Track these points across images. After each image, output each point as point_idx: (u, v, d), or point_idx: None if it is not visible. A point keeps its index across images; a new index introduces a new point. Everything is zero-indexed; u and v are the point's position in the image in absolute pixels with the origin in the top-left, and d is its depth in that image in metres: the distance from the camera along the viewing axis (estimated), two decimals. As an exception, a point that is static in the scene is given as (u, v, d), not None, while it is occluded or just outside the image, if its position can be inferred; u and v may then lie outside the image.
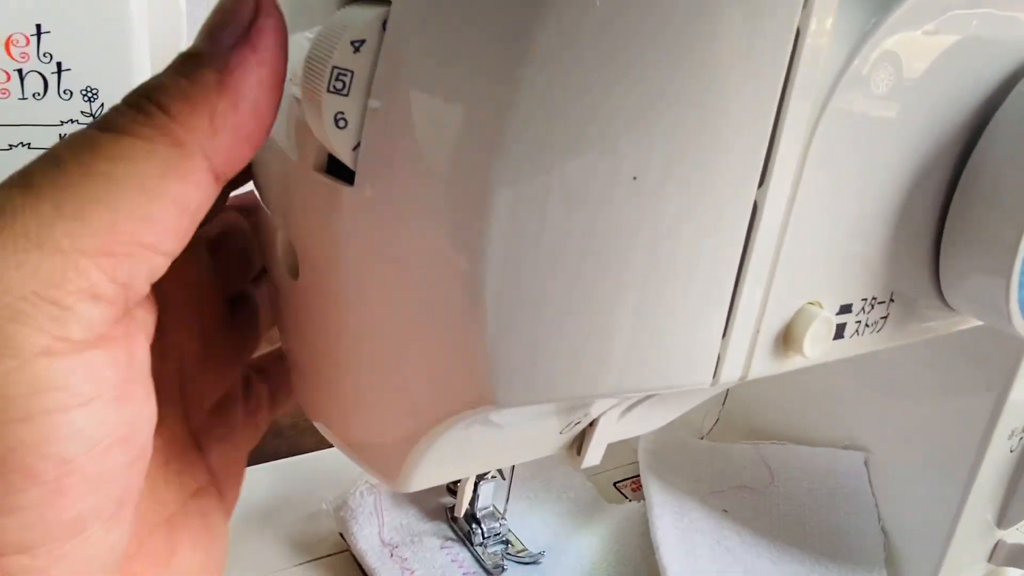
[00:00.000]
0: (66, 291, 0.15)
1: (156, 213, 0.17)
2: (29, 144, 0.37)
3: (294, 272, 0.23)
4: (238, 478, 0.26)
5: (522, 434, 0.25)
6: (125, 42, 0.38)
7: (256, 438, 0.28)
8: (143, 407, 0.18)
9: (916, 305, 0.27)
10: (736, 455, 0.43)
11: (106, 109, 0.39)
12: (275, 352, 0.30)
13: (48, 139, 0.38)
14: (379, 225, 0.20)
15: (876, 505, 0.39)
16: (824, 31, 0.19)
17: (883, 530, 0.39)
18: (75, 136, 0.17)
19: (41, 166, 0.16)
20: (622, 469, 0.44)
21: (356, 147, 0.19)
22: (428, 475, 0.24)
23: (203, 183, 0.17)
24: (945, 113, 0.23)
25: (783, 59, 0.19)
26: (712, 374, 0.22)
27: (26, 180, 0.16)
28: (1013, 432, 0.36)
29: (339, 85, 0.18)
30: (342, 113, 0.19)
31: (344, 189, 0.20)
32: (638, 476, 0.42)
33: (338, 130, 0.19)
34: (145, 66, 0.40)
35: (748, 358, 0.22)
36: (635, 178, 0.18)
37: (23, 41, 0.36)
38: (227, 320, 0.26)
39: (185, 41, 0.47)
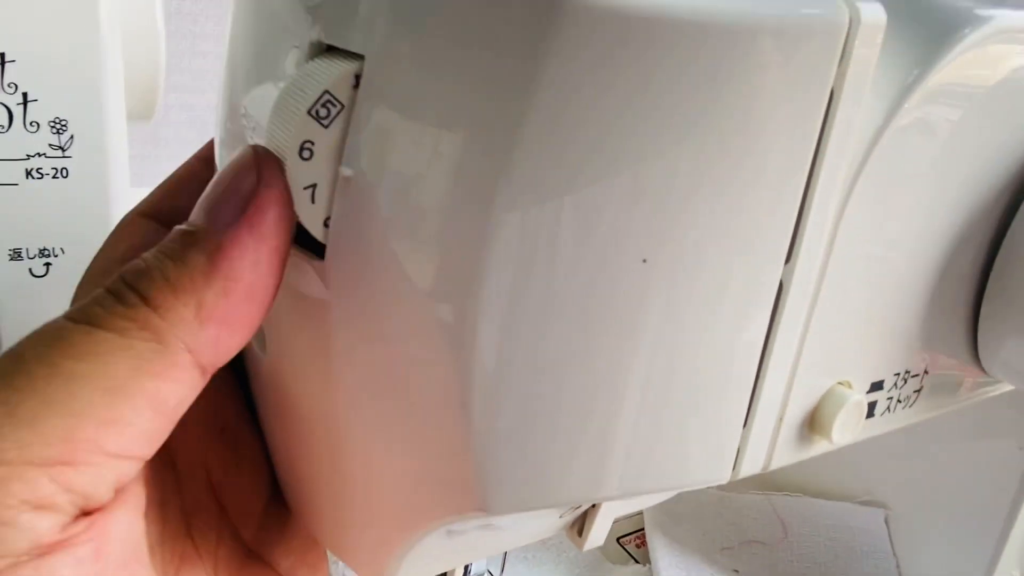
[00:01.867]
0: (6, 505, 0.14)
1: (126, 416, 0.15)
2: (-7, 180, 0.35)
3: (261, 346, 0.21)
4: (318, 569, 0.24)
5: (516, 529, 0.23)
6: (96, 69, 0.35)
7: None
8: None
9: (950, 375, 0.24)
10: (747, 507, 0.40)
11: (76, 141, 0.36)
12: None
13: (13, 174, 0.36)
14: (351, 307, 0.17)
15: (898, 566, 0.37)
16: (860, 89, 0.16)
17: (905, 592, 0.36)
18: (44, 328, 0.15)
19: (1, 363, 0.15)
20: (626, 523, 0.41)
21: (327, 220, 0.17)
22: (414, 573, 0.21)
23: (184, 379, 0.15)
24: (986, 174, 0.21)
25: (815, 123, 0.16)
26: (731, 469, 0.19)
27: None
28: (1046, 493, 0.34)
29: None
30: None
31: (312, 264, 0.18)
32: (642, 530, 0.40)
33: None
34: (119, 95, 0.37)
35: (771, 448, 0.20)
36: (645, 260, 0.16)
37: (-15, 71, 0.33)
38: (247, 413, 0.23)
39: (163, 68, 0.44)
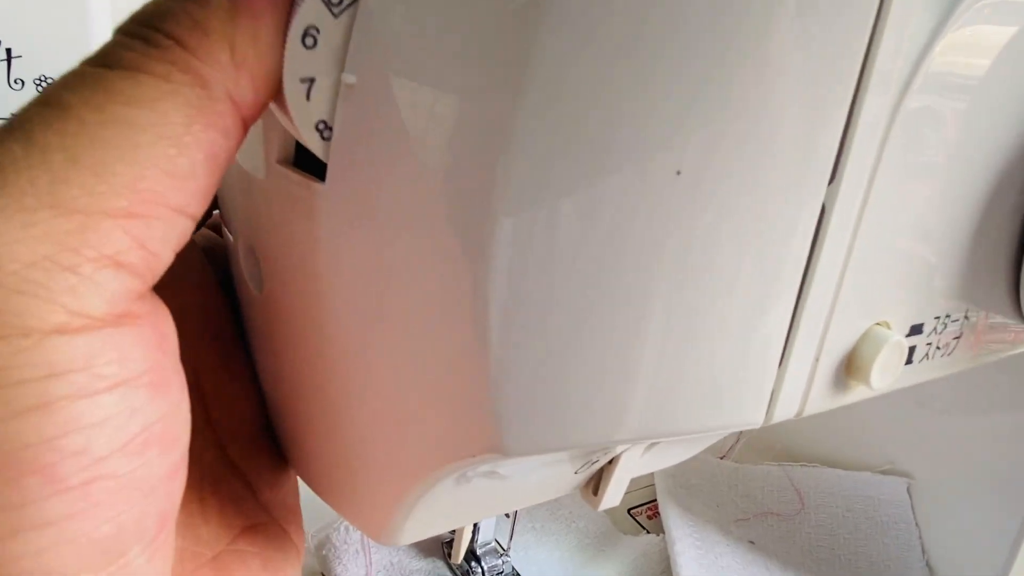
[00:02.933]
0: (85, 257, 0.13)
1: (186, 168, 0.14)
2: None
3: (258, 284, 0.19)
4: (294, 515, 0.23)
5: (530, 480, 0.21)
6: (83, 25, 0.34)
7: None
8: (180, 401, 0.15)
9: (990, 323, 0.23)
10: (762, 478, 0.39)
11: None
12: None
13: None
14: (356, 234, 0.16)
15: (920, 537, 0.35)
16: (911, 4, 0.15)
17: (928, 565, 0.35)
18: (75, 76, 0.14)
19: (40, 112, 0.13)
20: (637, 493, 0.40)
21: (319, 124, 0.16)
22: (420, 528, 0.20)
23: (231, 130, 0.14)
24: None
25: (866, 23, 0.15)
26: (765, 412, 0.18)
27: (25, 130, 0.13)
28: (1077, 459, 0.32)
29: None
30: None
31: (314, 186, 0.16)
32: (654, 501, 0.38)
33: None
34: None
35: (806, 391, 0.18)
36: (679, 173, 0.14)
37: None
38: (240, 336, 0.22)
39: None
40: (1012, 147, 0.20)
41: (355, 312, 0.17)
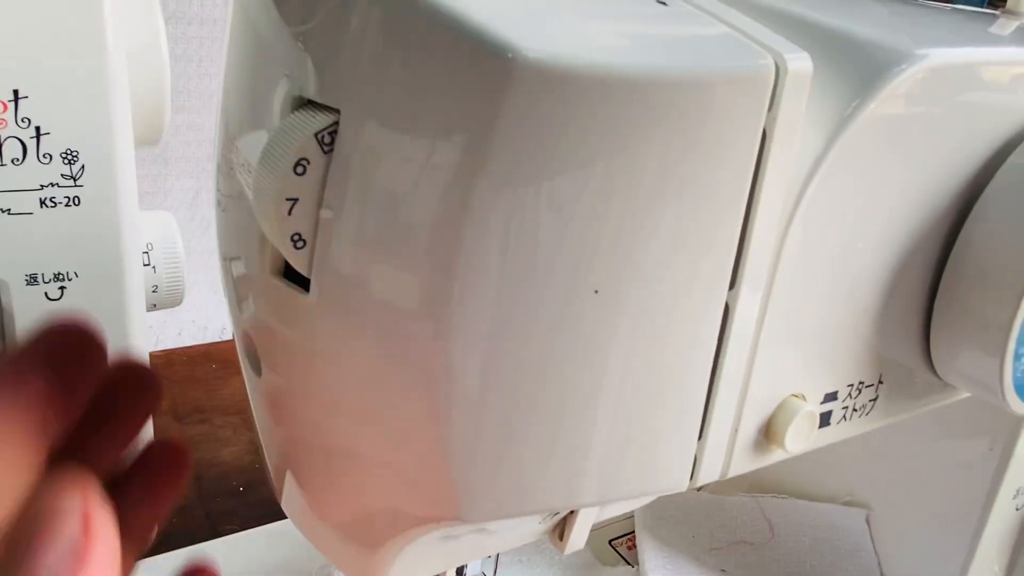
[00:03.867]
0: None
1: None
2: (9, 210, 0.37)
3: (256, 368, 0.23)
4: None
5: (500, 533, 0.24)
6: (104, 102, 0.37)
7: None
8: None
9: (907, 383, 0.26)
10: (735, 508, 0.42)
11: (86, 171, 0.38)
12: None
13: (29, 204, 0.38)
14: (335, 330, 0.19)
15: (879, 564, 0.38)
16: (791, 129, 0.18)
17: (886, 589, 0.38)
18: None
19: None
20: (617, 525, 0.43)
21: (300, 244, 0.19)
22: (403, 575, 0.23)
23: None
24: (932, 190, 0.23)
25: (749, 163, 0.18)
26: (689, 476, 0.21)
27: None
28: (1019, 491, 0.35)
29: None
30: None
31: (300, 296, 0.19)
32: (634, 532, 0.41)
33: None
34: (127, 124, 0.39)
35: (727, 456, 0.21)
36: (596, 291, 0.17)
37: (0, 108, 0.35)
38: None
39: (169, 97, 0.46)
40: (917, 228, 0.23)
41: (336, 396, 0.20)
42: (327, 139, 0.18)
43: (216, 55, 0.68)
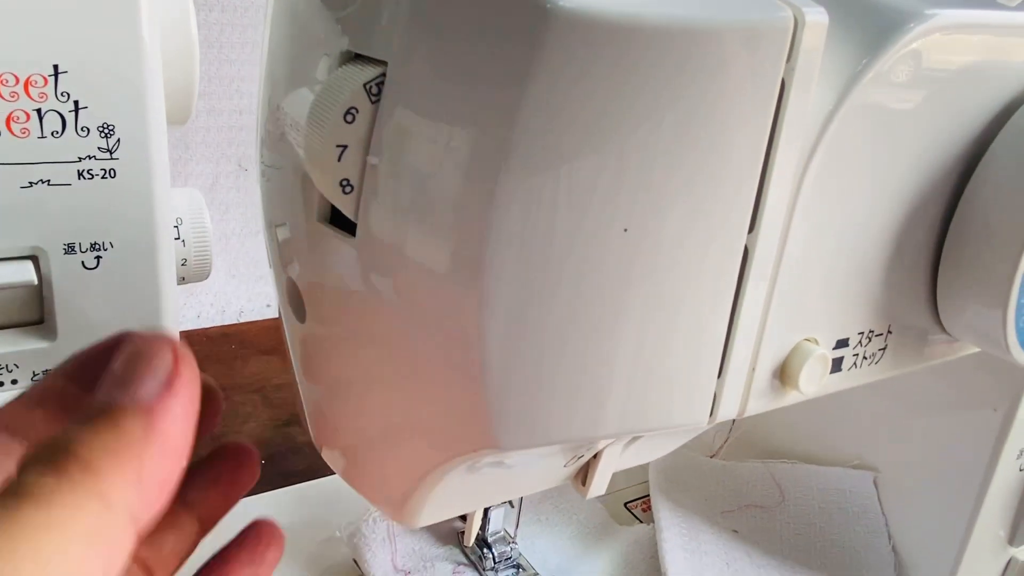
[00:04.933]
0: None
1: None
2: (49, 181, 0.39)
3: (300, 315, 0.24)
4: None
5: (527, 470, 0.25)
6: (139, 78, 0.39)
7: None
8: None
9: (915, 335, 0.27)
10: (746, 474, 0.43)
11: (122, 144, 0.39)
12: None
13: (67, 175, 0.39)
14: (379, 270, 0.20)
15: (886, 524, 0.39)
16: (808, 80, 0.19)
17: (893, 549, 0.39)
18: None
19: None
20: (633, 489, 0.44)
21: (348, 189, 0.20)
22: (435, 511, 0.24)
23: (127, 545, 0.16)
24: (939, 147, 0.24)
25: (769, 110, 0.19)
26: (709, 412, 0.22)
27: None
28: (1022, 452, 0.36)
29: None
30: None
31: (347, 240, 0.21)
32: (648, 496, 0.43)
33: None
34: (159, 100, 0.41)
35: (744, 395, 0.23)
36: (626, 230, 0.19)
37: (41, 82, 0.37)
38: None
39: (198, 76, 0.47)
40: (925, 183, 0.24)
41: (378, 334, 0.21)
42: (374, 90, 0.19)
43: (237, 42, 0.69)
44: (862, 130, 0.22)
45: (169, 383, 0.16)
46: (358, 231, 0.20)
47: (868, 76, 0.21)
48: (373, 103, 0.19)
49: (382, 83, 0.19)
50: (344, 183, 0.20)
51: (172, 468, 0.16)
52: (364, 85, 0.19)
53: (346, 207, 0.20)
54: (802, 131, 0.20)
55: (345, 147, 0.19)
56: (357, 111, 0.19)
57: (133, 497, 0.15)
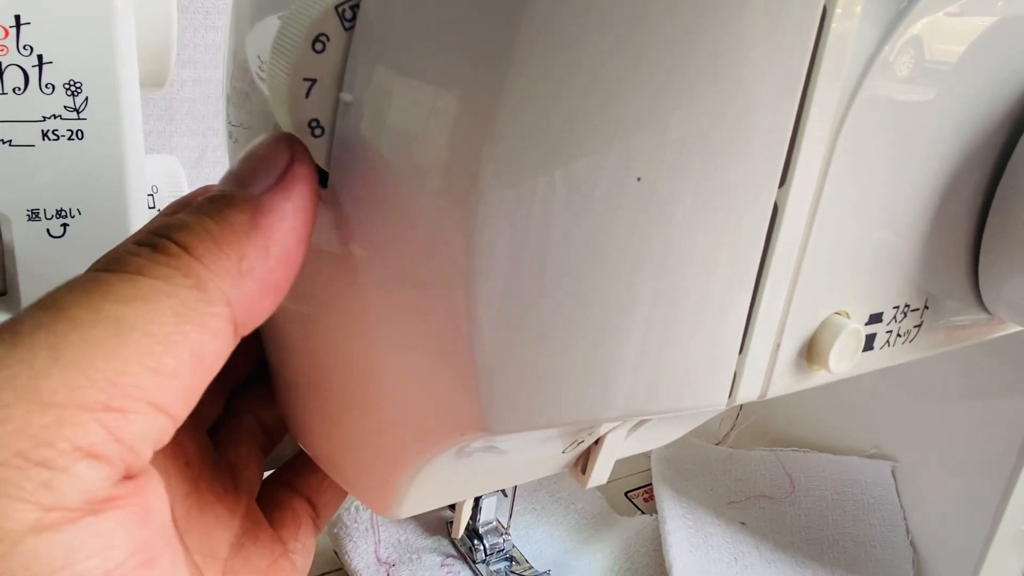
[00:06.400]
0: (59, 450, 0.13)
1: (171, 366, 0.14)
2: (10, 141, 0.36)
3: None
4: None
5: (521, 456, 0.23)
6: (109, 33, 0.36)
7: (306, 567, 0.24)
8: (172, 570, 0.15)
9: (952, 311, 0.24)
10: (754, 462, 0.41)
11: (90, 103, 0.37)
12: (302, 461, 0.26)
13: (30, 136, 0.36)
14: (355, 231, 0.18)
15: (904, 517, 0.37)
16: (853, 12, 0.17)
17: (912, 544, 0.37)
18: (77, 280, 0.14)
19: (34, 314, 0.14)
20: (634, 478, 0.42)
21: (317, 131, 0.18)
22: (420, 502, 0.22)
23: (222, 335, 0.15)
24: (985, 104, 0.21)
25: (807, 42, 0.16)
26: (728, 393, 0.19)
27: (14, 332, 0.14)
28: (1052, 443, 0.34)
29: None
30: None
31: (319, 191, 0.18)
32: (651, 485, 0.40)
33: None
34: (131, 59, 0.38)
35: (768, 375, 0.20)
36: (639, 179, 0.16)
37: (2, 34, 0.34)
38: (214, 457, 0.23)
39: (175, 32, 0.44)
40: (970, 143, 0.22)
41: (359, 304, 0.19)
42: (348, 14, 0.17)
43: (223, 6, 0.66)
44: (909, 74, 0.19)
45: (281, 180, 0.16)
46: (330, 181, 0.18)
47: (914, 11, 0.18)
48: (347, 29, 0.17)
49: (356, 6, 0.16)
50: (313, 124, 0.17)
51: (277, 268, 0.16)
52: (336, 8, 0.16)
53: (316, 152, 0.17)
54: (843, 70, 0.17)
55: (314, 81, 0.17)
56: (328, 39, 0.17)
57: (230, 288, 0.15)
